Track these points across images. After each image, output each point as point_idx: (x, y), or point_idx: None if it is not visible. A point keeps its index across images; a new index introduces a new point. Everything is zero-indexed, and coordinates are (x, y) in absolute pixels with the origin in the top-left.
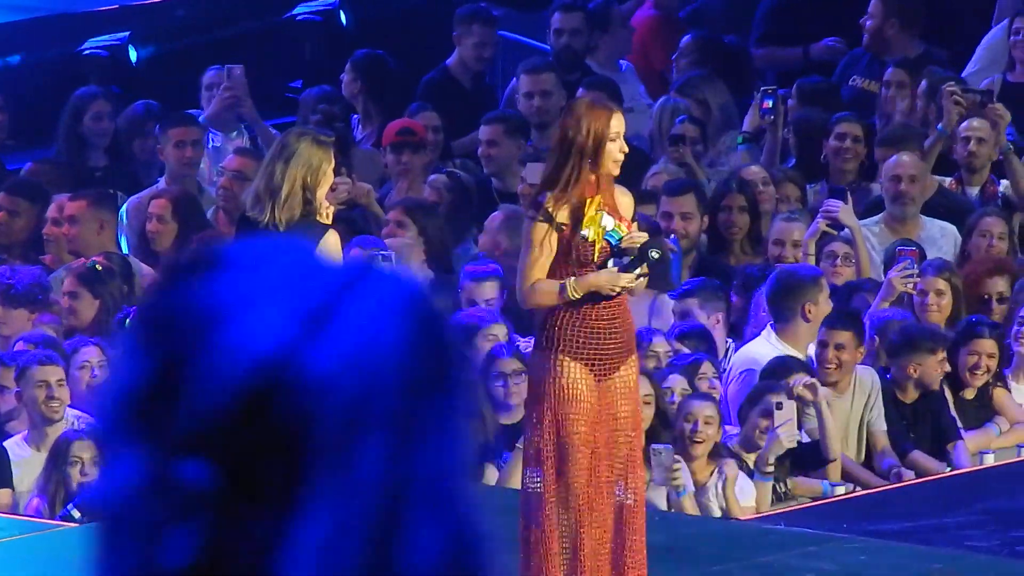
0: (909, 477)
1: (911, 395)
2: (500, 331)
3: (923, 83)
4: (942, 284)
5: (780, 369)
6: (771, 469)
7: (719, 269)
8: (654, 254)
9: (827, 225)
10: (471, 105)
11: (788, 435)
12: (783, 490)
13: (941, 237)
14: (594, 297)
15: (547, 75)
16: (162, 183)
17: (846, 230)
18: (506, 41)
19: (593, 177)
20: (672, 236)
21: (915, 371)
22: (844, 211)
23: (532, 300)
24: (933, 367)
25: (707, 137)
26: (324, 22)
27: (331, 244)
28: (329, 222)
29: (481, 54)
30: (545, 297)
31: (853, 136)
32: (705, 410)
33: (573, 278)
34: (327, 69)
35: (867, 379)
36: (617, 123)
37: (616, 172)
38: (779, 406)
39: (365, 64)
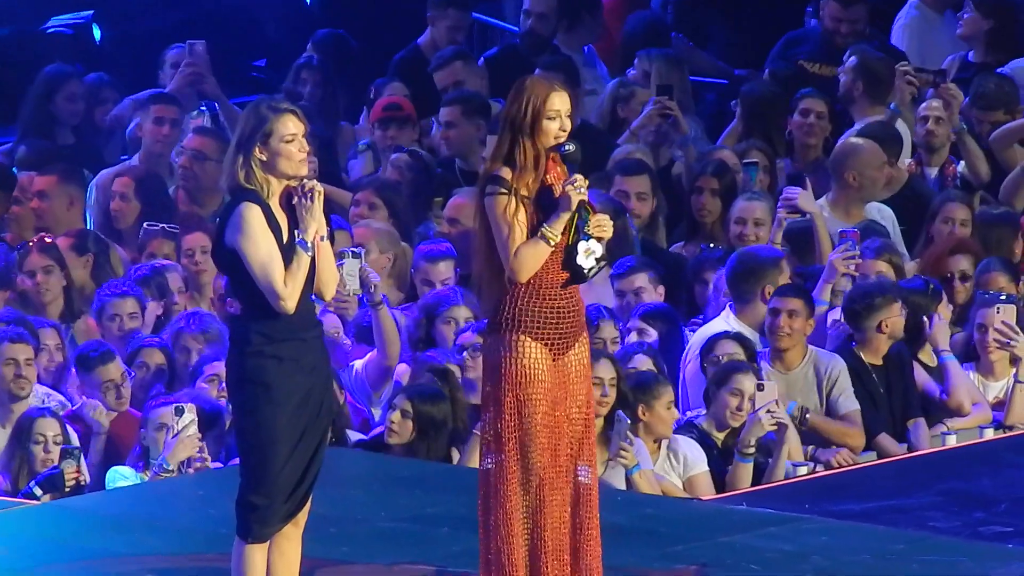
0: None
1: (880, 355)
2: (461, 313)
3: (853, 59)
4: (883, 266)
5: (716, 344)
6: (752, 451)
7: (660, 256)
8: (570, 147)
9: (788, 212)
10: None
11: (769, 416)
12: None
13: (880, 219)
14: (554, 277)
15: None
16: (135, 160)
17: (807, 216)
18: (473, 21)
19: (535, 154)
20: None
21: (886, 326)
22: (803, 197)
23: (524, 268)
24: (897, 315)
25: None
26: (288, 1)
27: (239, 216)
28: (302, 200)
29: (454, 37)
30: (533, 258)
31: (817, 112)
32: (670, 395)
33: (545, 225)
34: (290, 48)
35: (826, 362)
36: (559, 102)
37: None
38: (760, 387)
39: (327, 43)
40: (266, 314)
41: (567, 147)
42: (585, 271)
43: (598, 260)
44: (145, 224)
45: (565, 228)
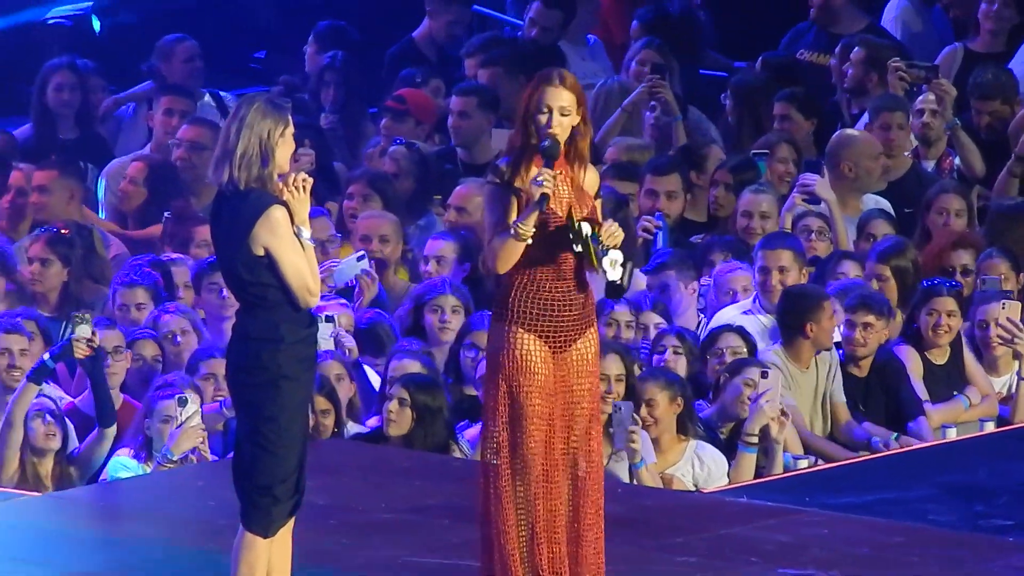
0: (895, 446)
1: (865, 366)
2: (448, 302)
3: (860, 51)
4: (886, 271)
5: (718, 337)
6: (755, 439)
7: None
8: (545, 143)
9: (803, 200)
10: (436, 77)
11: (772, 405)
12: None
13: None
14: (550, 269)
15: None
16: (147, 150)
17: (823, 203)
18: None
19: (527, 145)
20: (658, 213)
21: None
22: (821, 184)
23: (493, 260)
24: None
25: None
26: None
27: (273, 219)
28: (293, 192)
29: (453, 32)
30: (504, 252)
31: (787, 116)
32: (654, 393)
33: (516, 221)
34: (290, 40)
35: (826, 353)
36: (551, 98)
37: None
38: (764, 374)
39: (329, 35)
40: (290, 310)
41: (544, 143)
42: (619, 283)
43: (623, 265)
44: (166, 214)
45: (585, 256)
